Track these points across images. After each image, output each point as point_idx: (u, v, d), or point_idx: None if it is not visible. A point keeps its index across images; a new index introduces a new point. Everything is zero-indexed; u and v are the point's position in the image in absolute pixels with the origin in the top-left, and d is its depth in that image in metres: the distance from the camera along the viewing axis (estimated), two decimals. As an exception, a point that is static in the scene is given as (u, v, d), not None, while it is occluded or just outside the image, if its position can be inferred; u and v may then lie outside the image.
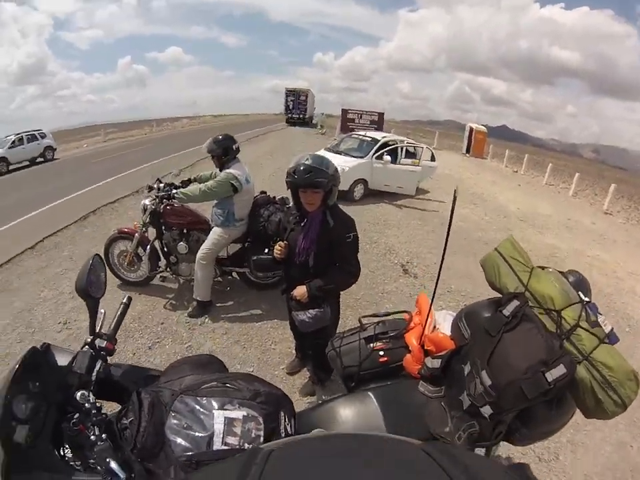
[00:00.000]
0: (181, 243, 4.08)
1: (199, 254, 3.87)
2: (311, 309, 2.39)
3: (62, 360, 1.30)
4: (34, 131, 19.47)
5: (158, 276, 4.52)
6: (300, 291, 2.37)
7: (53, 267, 5.56)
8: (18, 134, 18.64)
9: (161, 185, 4.08)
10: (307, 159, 2.19)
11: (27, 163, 18.67)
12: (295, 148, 16.48)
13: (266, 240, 3.83)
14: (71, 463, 1.15)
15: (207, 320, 4.02)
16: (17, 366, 1.10)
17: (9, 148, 17.76)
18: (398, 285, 4.94)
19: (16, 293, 4.98)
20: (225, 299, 4.36)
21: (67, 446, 1.19)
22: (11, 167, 17.44)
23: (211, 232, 3.93)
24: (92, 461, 1.13)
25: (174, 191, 3.90)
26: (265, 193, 4.15)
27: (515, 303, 1.31)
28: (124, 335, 3.73)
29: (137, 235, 4.09)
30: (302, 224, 2.36)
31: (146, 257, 4.20)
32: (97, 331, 1.35)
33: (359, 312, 4.07)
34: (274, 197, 4.06)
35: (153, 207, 3.99)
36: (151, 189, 4.11)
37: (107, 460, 1.06)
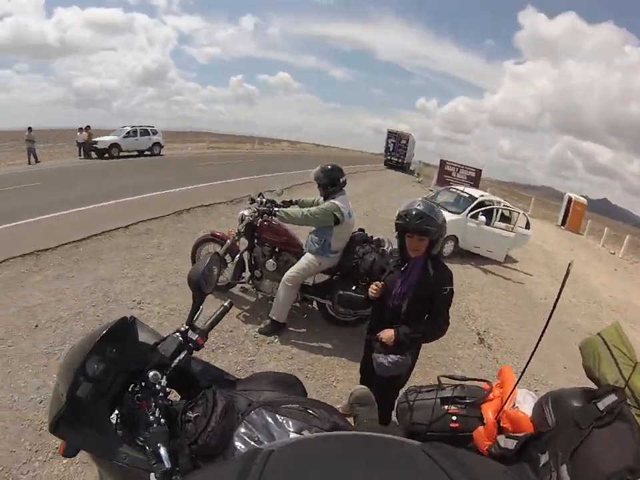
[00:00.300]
0: (270, 260, 4.13)
1: (286, 275, 3.87)
2: (392, 354, 2.37)
3: (143, 336, 1.34)
4: (147, 126, 21.86)
5: (239, 286, 4.62)
6: (387, 334, 2.36)
7: (141, 250, 5.97)
8: (133, 126, 21.13)
9: (263, 200, 4.14)
10: (419, 205, 2.19)
11: (136, 153, 20.89)
12: (391, 192, 16.56)
13: (355, 277, 3.80)
14: (118, 432, 1.19)
15: (276, 340, 4.01)
16: (105, 331, 1.14)
17: (124, 137, 20.36)
18: (471, 353, 4.68)
19: (103, 262, 5.42)
20: (299, 325, 4.33)
21: (119, 415, 1.22)
22: (121, 154, 19.91)
23: (303, 256, 3.94)
24: (141, 439, 1.15)
25: (276, 208, 3.94)
26: (363, 230, 4.11)
27: (613, 397, 1.17)
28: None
29: (228, 241, 4.20)
30: (402, 268, 2.35)
31: (232, 265, 4.31)
32: (193, 324, 1.40)
33: (427, 370, 3.96)
34: (371, 237, 4.02)
35: (251, 219, 4.08)
36: (253, 201, 4.19)
37: (158, 445, 1.06)
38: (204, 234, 4.75)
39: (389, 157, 31.67)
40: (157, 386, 1.20)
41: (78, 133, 20.11)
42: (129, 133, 20.64)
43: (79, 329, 3.83)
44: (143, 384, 1.22)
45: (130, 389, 1.26)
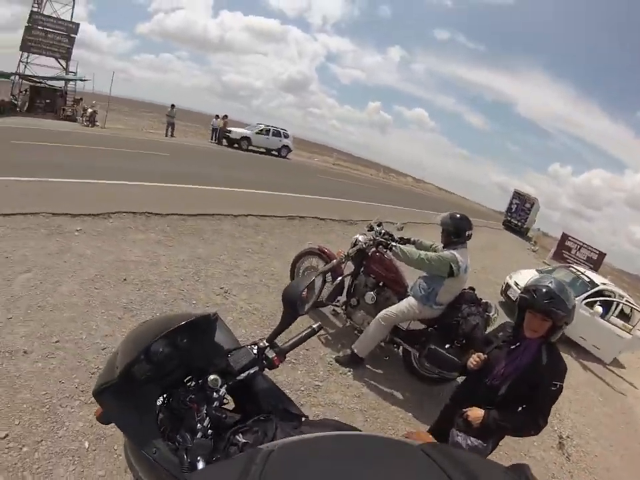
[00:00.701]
0: (371, 292, 3.90)
1: (383, 313, 3.64)
2: (474, 437, 2.13)
3: (219, 337, 1.32)
4: (281, 128, 22.92)
5: (331, 307, 4.35)
6: (476, 414, 2.11)
7: (243, 242, 5.90)
8: (267, 125, 22.35)
9: (382, 230, 4.00)
10: (551, 283, 1.98)
11: (263, 150, 22.02)
12: (504, 254, 15.23)
13: (452, 336, 3.54)
14: (158, 422, 1.14)
15: (349, 373, 3.71)
16: (185, 322, 1.13)
17: (256, 133, 21.65)
18: (545, 456, 3.87)
19: (204, 242, 5.43)
20: (378, 365, 3.97)
21: (165, 405, 1.18)
22: (250, 147, 21.23)
23: (405, 299, 3.69)
24: (179, 440, 1.08)
25: (393, 243, 3.75)
26: (474, 290, 3.78)
27: None
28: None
29: (335, 261, 3.97)
30: (512, 346, 2.14)
31: (331, 285, 4.13)
32: (273, 341, 1.30)
33: (490, 459, 3.21)
34: (480, 299, 3.71)
35: (364, 246, 3.89)
36: (371, 229, 4.06)
37: (198, 458, 0.98)
38: (310, 246, 4.63)
39: (508, 218, 29.73)
40: (214, 393, 1.15)
41: (214, 119, 22.14)
42: (262, 130, 21.85)
43: (160, 296, 3.79)
44: (200, 383, 1.17)
45: (186, 384, 1.22)
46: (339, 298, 4.16)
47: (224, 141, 21.09)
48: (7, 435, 2.10)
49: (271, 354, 1.27)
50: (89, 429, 2.27)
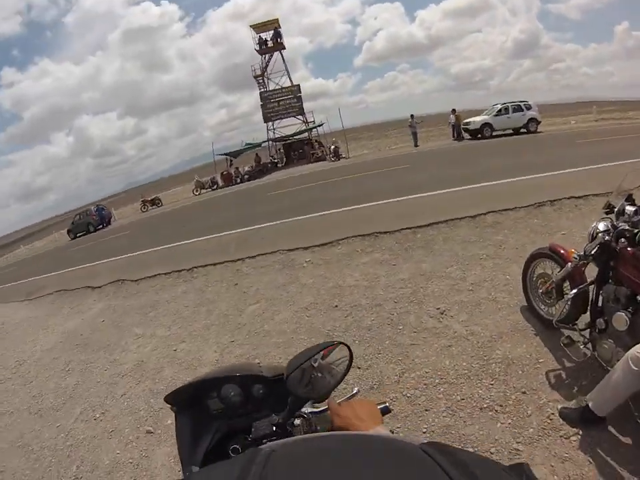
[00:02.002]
0: (622, 313, 2.40)
1: (633, 351, 2.16)
2: None
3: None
4: (520, 101, 19.97)
5: (564, 332, 3.01)
6: None
7: (477, 247, 5.12)
8: (504, 103, 19.76)
9: (632, 209, 2.48)
10: None
11: (510, 131, 19.65)
12: None
13: None
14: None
15: (574, 437, 2.38)
16: (260, 375, 1.22)
17: (495, 115, 19.44)
18: None
19: (432, 255, 5.04)
20: (626, 431, 2.35)
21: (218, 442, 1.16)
22: (494, 133, 19.25)
23: None
24: None
25: None
26: None
27: None
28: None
29: (568, 265, 2.80)
30: None
31: (569, 300, 2.85)
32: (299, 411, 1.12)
33: None
34: None
35: (607, 238, 2.49)
36: (610, 209, 2.62)
37: None
38: (543, 247, 3.39)
39: None
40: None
41: (450, 115, 21.33)
42: (500, 111, 19.56)
43: (367, 321, 3.69)
44: (250, 438, 1.10)
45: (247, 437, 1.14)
46: (580, 318, 2.85)
47: (464, 134, 20.25)
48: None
49: (295, 424, 1.09)
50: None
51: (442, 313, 3.70)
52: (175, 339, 4.35)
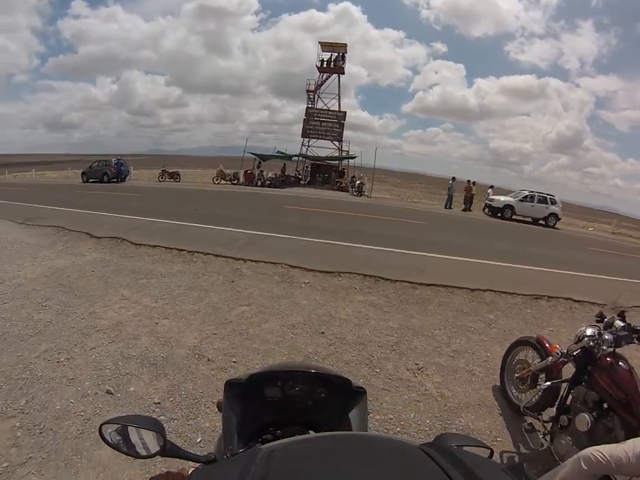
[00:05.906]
0: (586, 415, 2.53)
1: (591, 450, 2.19)
2: None
3: (354, 412, 1.21)
4: (547, 194, 20.44)
5: (527, 419, 3.12)
6: None
7: (469, 319, 5.24)
8: (532, 191, 20.29)
9: (621, 323, 2.67)
10: None
11: (530, 220, 20.13)
12: None
13: None
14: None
15: None
16: (335, 377, 1.22)
17: (519, 200, 19.91)
18: None
19: (424, 314, 5.14)
20: None
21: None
22: (514, 217, 19.71)
23: (635, 439, 2.16)
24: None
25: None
26: None
27: None
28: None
29: (550, 358, 2.95)
30: None
31: (541, 390, 3.01)
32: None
33: None
34: None
35: (591, 344, 2.65)
36: (602, 319, 2.79)
37: None
38: (530, 336, 3.58)
39: None
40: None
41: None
42: (526, 197, 20.04)
43: (347, 356, 3.79)
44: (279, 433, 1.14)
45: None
46: (545, 410, 2.98)
47: (486, 209, 20.79)
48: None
49: None
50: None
51: (419, 369, 3.81)
52: (159, 313, 4.42)
